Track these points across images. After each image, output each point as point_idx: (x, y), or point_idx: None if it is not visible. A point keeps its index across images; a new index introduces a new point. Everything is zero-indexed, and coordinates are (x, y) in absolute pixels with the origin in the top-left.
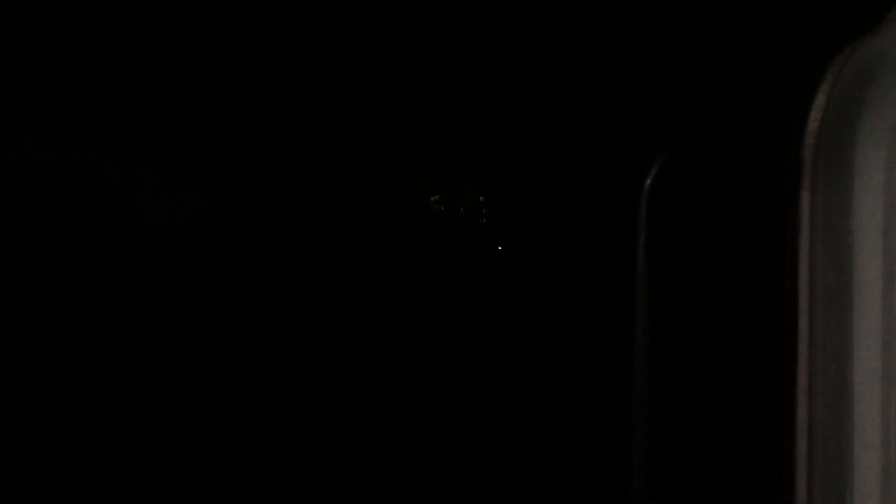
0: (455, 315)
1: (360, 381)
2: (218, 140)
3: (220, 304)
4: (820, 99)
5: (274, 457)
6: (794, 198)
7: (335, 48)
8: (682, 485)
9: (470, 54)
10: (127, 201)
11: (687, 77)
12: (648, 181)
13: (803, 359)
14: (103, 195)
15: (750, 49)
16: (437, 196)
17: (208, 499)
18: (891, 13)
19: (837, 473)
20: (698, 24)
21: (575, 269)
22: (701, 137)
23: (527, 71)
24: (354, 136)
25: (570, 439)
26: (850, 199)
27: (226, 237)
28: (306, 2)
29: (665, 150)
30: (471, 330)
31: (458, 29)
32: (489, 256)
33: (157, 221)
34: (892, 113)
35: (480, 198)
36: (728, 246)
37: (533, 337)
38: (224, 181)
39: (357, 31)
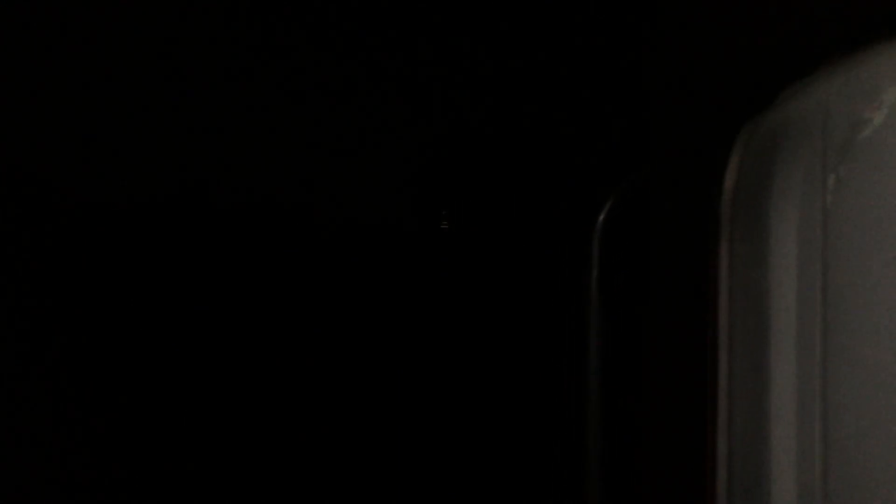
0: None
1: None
2: None
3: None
4: (734, 161)
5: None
6: (714, 249)
7: None
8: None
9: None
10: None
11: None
12: (601, 218)
13: (723, 395)
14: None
15: (679, 117)
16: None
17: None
18: (783, 93)
19: (755, 497)
20: (642, 87)
21: (528, 301)
22: (647, 182)
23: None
24: None
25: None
26: (765, 249)
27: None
28: None
29: (620, 188)
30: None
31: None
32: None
33: None
34: (797, 173)
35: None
36: (662, 290)
37: (485, 373)
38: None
39: None
